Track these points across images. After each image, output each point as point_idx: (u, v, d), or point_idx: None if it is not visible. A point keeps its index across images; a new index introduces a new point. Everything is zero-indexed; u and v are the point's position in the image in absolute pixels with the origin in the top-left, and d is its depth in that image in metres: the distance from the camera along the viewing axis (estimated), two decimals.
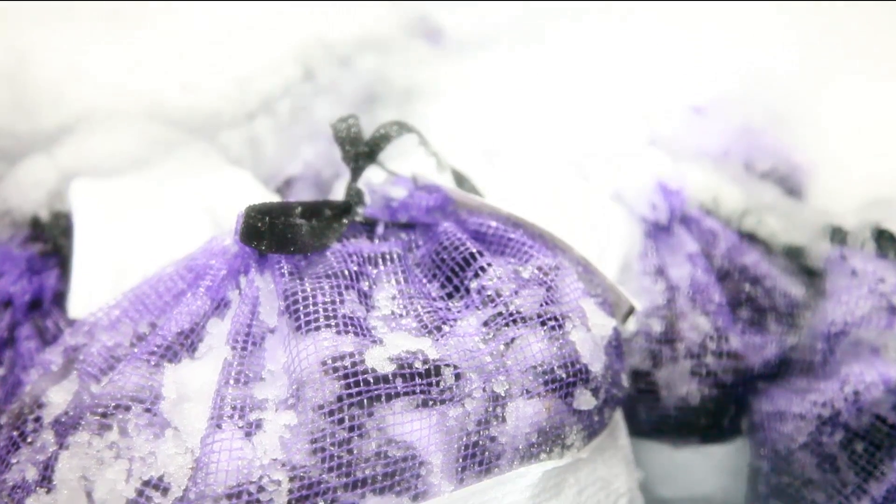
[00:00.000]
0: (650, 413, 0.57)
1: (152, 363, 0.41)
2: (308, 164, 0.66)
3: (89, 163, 0.61)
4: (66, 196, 0.58)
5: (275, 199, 0.60)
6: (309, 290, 0.43)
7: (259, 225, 0.43)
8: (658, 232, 0.57)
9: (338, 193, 0.62)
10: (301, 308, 0.42)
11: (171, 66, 0.66)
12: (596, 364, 0.45)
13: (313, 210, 0.46)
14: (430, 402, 0.41)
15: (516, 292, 0.45)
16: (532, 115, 0.63)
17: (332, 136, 0.50)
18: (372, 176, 0.51)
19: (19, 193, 0.59)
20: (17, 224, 0.58)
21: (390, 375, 0.41)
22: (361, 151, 0.49)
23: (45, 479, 0.40)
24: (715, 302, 0.56)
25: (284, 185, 0.65)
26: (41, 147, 0.62)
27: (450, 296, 0.47)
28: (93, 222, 0.56)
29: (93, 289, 0.52)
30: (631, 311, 0.49)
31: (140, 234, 0.56)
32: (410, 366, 0.41)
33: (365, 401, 0.40)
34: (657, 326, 0.56)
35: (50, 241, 0.57)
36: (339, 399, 0.40)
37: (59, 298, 0.54)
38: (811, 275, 0.57)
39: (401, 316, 0.45)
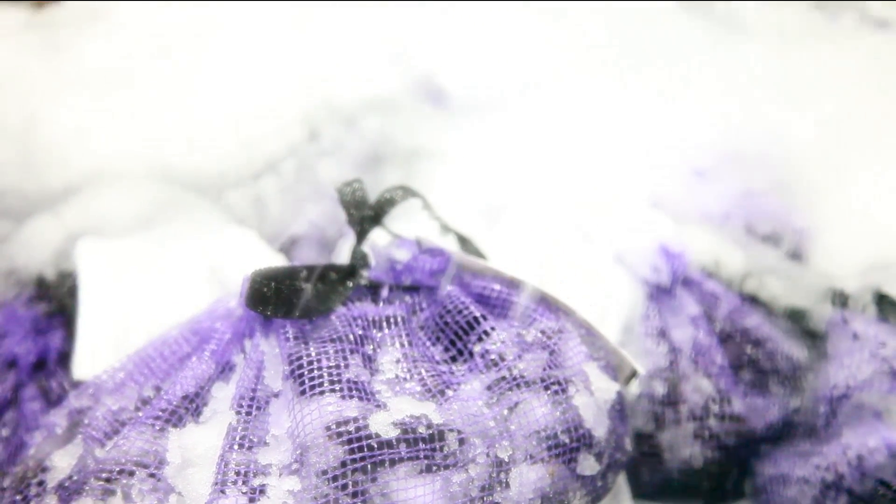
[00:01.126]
0: (653, 476, 0.57)
1: (157, 428, 0.42)
2: (313, 223, 0.67)
3: (95, 222, 0.61)
4: (72, 256, 0.58)
5: (279, 259, 0.61)
6: (314, 354, 0.43)
7: (265, 290, 0.44)
8: (660, 294, 0.58)
9: (342, 252, 0.62)
10: (306, 372, 0.43)
11: (178, 127, 0.67)
12: (599, 429, 0.45)
13: (319, 274, 0.47)
14: (434, 468, 0.41)
15: (520, 356, 0.46)
16: (535, 176, 0.64)
17: (336, 196, 0.50)
18: (377, 238, 0.51)
19: (26, 252, 0.60)
20: (23, 283, 0.58)
21: (394, 440, 0.41)
22: (366, 215, 0.50)
23: None
24: (717, 364, 0.56)
25: (289, 245, 0.66)
26: (48, 207, 0.62)
27: (453, 359, 0.47)
28: (98, 282, 0.56)
29: (97, 350, 0.52)
30: (634, 374, 0.49)
31: (145, 294, 0.56)
32: (414, 431, 0.41)
33: (369, 466, 0.40)
34: (660, 388, 0.56)
35: (55, 300, 0.57)
36: (343, 464, 0.40)
37: (64, 359, 0.54)
38: (813, 337, 0.57)
39: (405, 380, 0.45)
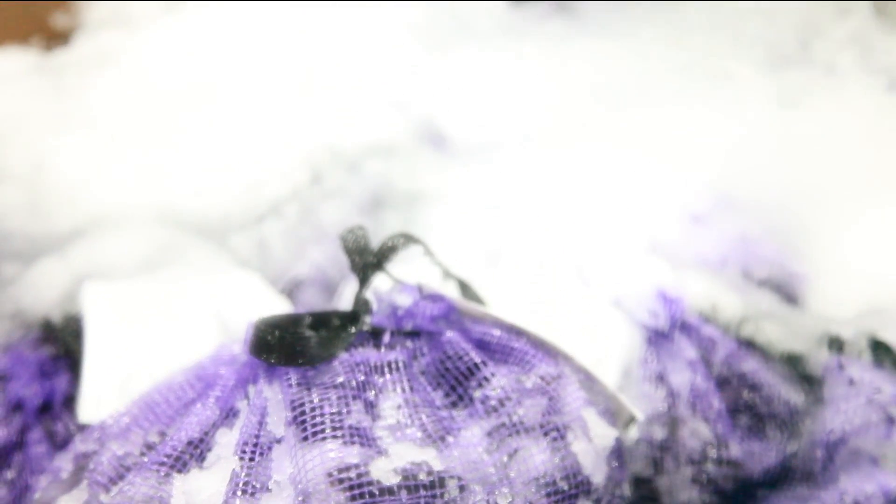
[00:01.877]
0: None
1: (162, 473, 0.42)
2: (316, 265, 0.67)
3: (101, 265, 0.62)
4: (78, 298, 0.59)
5: (283, 301, 0.61)
6: (316, 400, 0.44)
7: (269, 338, 0.44)
8: (659, 338, 0.58)
9: (345, 295, 0.63)
10: (308, 419, 0.43)
11: (183, 171, 0.68)
12: (597, 475, 0.46)
13: (322, 320, 0.48)
14: None
15: (519, 402, 0.46)
16: (534, 220, 0.65)
17: (340, 243, 0.51)
18: (379, 283, 0.52)
19: (32, 295, 0.60)
20: (30, 325, 0.59)
21: (395, 487, 0.41)
22: (369, 262, 0.51)
23: None
24: (715, 409, 0.57)
25: (293, 287, 0.66)
26: (55, 249, 0.63)
27: (454, 404, 0.47)
28: (104, 326, 0.57)
29: (103, 393, 0.53)
30: (632, 419, 0.50)
31: (150, 337, 0.57)
32: (415, 477, 0.42)
33: None
34: (658, 433, 0.56)
35: (61, 343, 0.58)
36: None
37: (70, 402, 0.54)
38: (810, 382, 0.58)
39: (406, 425, 0.45)
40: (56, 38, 0.89)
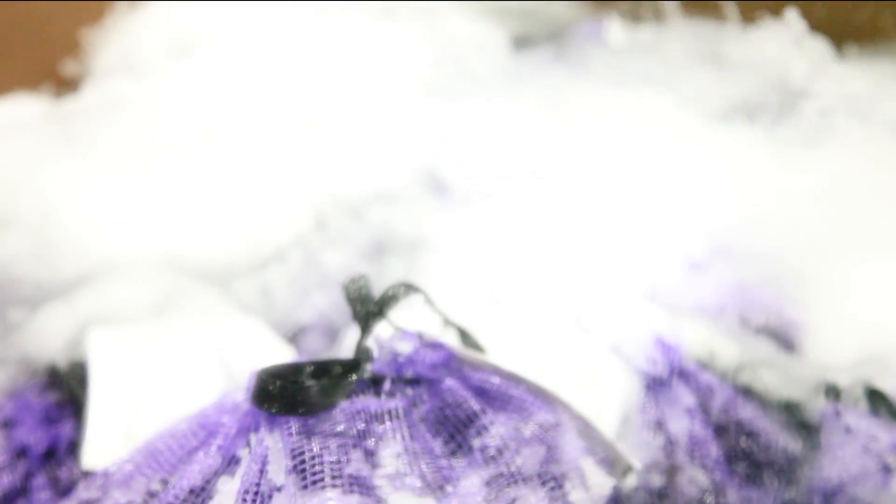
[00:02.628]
0: None
1: None
2: (319, 311, 0.68)
3: (107, 311, 0.63)
4: (84, 344, 0.60)
5: (286, 348, 0.62)
6: (316, 449, 0.45)
7: (270, 388, 0.45)
8: (657, 386, 0.59)
9: (348, 340, 0.64)
10: (308, 467, 0.44)
11: (189, 217, 0.69)
12: None
13: (323, 369, 0.48)
14: None
15: (517, 451, 0.47)
16: (534, 266, 0.66)
17: (343, 293, 0.52)
18: (380, 330, 0.53)
19: (38, 341, 0.61)
20: (35, 371, 0.60)
21: None
22: (371, 311, 0.52)
23: None
24: (712, 456, 0.57)
25: (296, 333, 0.67)
26: (61, 295, 0.64)
27: (453, 453, 0.48)
28: (108, 372, 0.57)
29: (107, 440, 0.54)
30: (629, 468, 0.51)
31: (155, 384, 0.57)
32: None
33: None
34: (656, 480, 0.57)
35: (66, 389, 0.58)
36: None
37: (74, 448, 0.55)
38: (807, 429, 0.58)
39: (405, 474, 0.46)
40: (66, 86, 0.90)
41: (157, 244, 0.68)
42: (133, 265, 0.66)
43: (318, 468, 0.44)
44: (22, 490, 0.54)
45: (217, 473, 0.45)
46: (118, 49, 0.91)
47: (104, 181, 0.71)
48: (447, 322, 0.56)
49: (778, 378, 0.59)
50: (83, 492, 0.47)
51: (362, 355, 0.50)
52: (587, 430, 0.50)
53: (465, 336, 0.56)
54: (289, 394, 0.45)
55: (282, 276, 0.68)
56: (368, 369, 0.50)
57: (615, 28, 0.95)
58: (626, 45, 0.94)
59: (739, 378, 0.59)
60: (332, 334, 0.68)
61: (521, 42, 0.97)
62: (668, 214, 0.66)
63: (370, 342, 0.51)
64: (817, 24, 0.83)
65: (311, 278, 0.68)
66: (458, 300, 0.63)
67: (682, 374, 0.59)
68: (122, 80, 0.85)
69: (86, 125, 0.77)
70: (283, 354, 0.60)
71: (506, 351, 0.58)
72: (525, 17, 1.03)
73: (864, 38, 0.84)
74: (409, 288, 0.53)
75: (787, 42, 0.80)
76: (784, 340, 0.61)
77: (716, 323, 0.61)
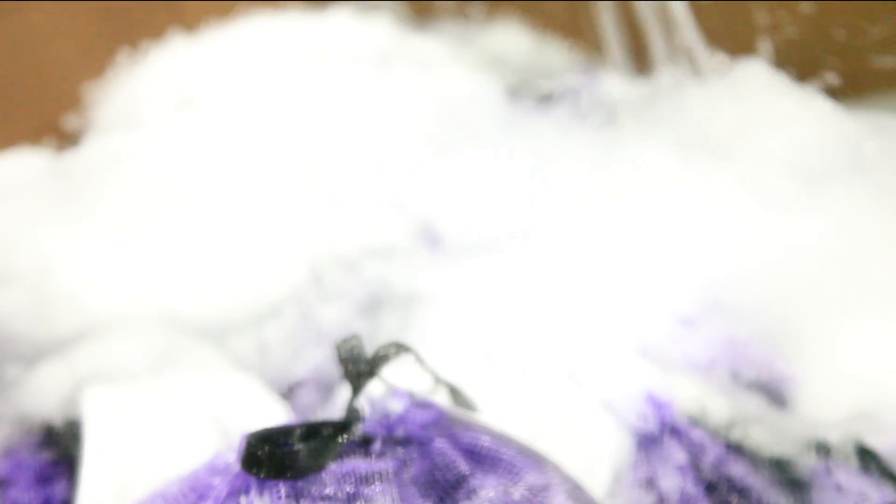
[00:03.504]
0: None
1: None
2: (314, 366, 0.69)
3: (103, 368, 0.63)
4: (79, 403, 0.60)
5: (280, 404, 0.63)
6: None
7: (259, 453, 0.45)
8: (648, 443, 0.59)
9: (342, 395, 0.64)
10: None
11: (186, 273, 0.70)
12: None
13: (313, 429, 0.49)
14: None
15: None
16: (526, 321, 0.66)
17: (334, 344, 0.53)
18: (371, 388, 0.53)
19: (34, 399, 0.62)
20: (31, 430, 0.60)
21: None
22: (362, 371, 0.52)
23: None
24: None
25: (290, 390, 0.68)
26: (58, 352, 0.64)
27: None
28: (102, 431, 0.58)
29: (100, 500, 0.54)
30: None
31: (149, 443, 0.58)
32: None
33: None
34: None
35: (61, 448, 0.59)
36: None
37: None
38: (798, 487, 0.58)
39: None
40: (67, 140, 0.92)
41: (154, 300, 0.68)
42: (129, 321, 0.67)
43: None
44: None
45: None
46: (119, 103, 0.93)
47: (101, 237, 0.72)
48: (438, 380, 0.56)
49: (769, 435, 0.59)
50: None
51: (353, 415, 0.51)
52: (577, 493, 0.50)
53: (456, 394, 0.57)
54: (277, 458, 0.46)
55: (277, 331, 0.68)
56: (359, 430, 0.50)
57: (609, 80, 0.96)
58: (621, 96, 0.94)
59: (731, 435, 0.59)
60: (327, 389, 0.68)
61: (517, 93, 0.98)
62: (659, 269, 0.67)
63: (361, 401, 0.52)
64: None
65: (306, 334, 0.68)
66: (452, 355, 0.63)
67: (674, 431, 0.59)
68: (122, 134, 0.86)
69: (85, 180, 0.78)
70: (276, 411, 0.60)
71: (498, 407, 0.58)
72: (521, 68, 1.04)
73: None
74: (401, 347, 0.53)
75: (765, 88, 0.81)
76: (775, 396, 0.62)
77: (707, 379, 0.62)
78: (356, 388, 0.52)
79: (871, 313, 0.62)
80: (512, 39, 1.08)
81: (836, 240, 0.66)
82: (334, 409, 0.63)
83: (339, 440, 0.49)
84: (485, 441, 0.51)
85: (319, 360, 0.69)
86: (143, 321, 0.67)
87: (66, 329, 0.67)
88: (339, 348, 0.52)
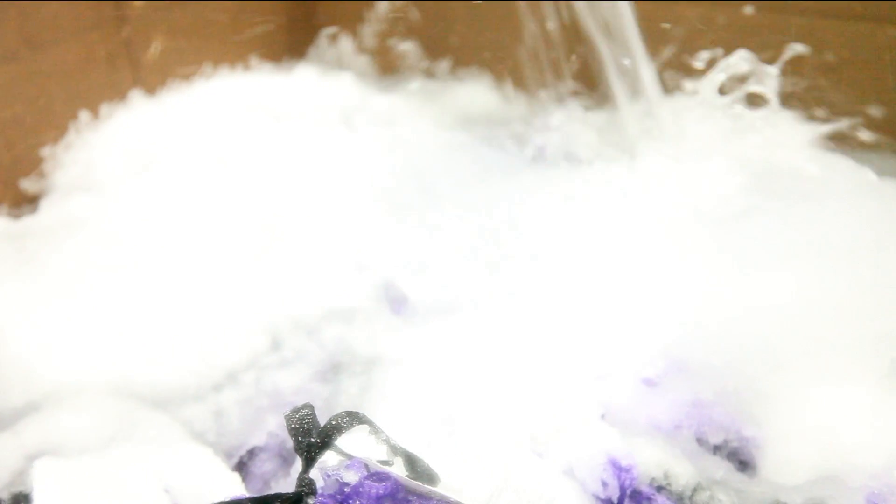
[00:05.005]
0: None
1: None
2: (272, 434, 0.67)
3: (54, 441, 0.62)
4: (29, 476, 0.58)
5: (234, 476, 0.61)
6: None
7: None
8: None
9: (300, 464, 0.63)
10: None
11: (139, 341, 0.69)
12: None
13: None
14: None
15: None
16: (488, 385, 0.65)
17: (284, 415, 0.51)
18: (326, 458, 0.52)
19: None
20: None
21: None
22: (313, 442, 0.51)
23: None
24: None
25: (248, 457, 0.66)
26: (8, 426, 0.63)
27: None
28: None
29: None
30: None
31: None
32: None
33: None
34: None
35: None
36: None
37: None
38: None
39: None
40: (25, 203, 0.90)
41: (108, 368, 0.67)
42: (82, 391, 0.65)
43: None
44: None
45: None
46: (79, 166, 0.92)
47: (54, 305, 0.71)
48: (395, 449, 0.55)
49: (734, 499, 0.58)
50: None
51: (304, 488, 0.49)
52: None
53: (414, 463, 0.55)
54: None
55: (234, 398, 0.67)
56: (311, 503, 0.49)
57: (573, 128, 0.95)
58: (587, 146, 0.94)
59: (695, 499, 0.58)
60: (285, 457, 0.67)
61: (483, 146, 0.98)
62: (622, 332, 0.66)
63: (314, 473, 0.50)
64: None
65: (264, 400, 0.67)
66: (412, 421, 0.62)
67: (636, 496, 0.58)
68: (81, 197, 0.85)
69: (40, 246, 0.77)
70: (229, 483, 0.59)
71: (458, 473, 0.57)
72: (487, 121, 1.04)
73: None
74: (353, 417, 0.52)
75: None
76: (740, 458, 0.61)
77: (672, 441, 0.61)
78: (307, 461, 0.51)
79: (836, 373, 0.62)
80: (477, 94, 1.08)
81: (801, 299, 0.65)
82: (292, 479, 0.61)
83: None
84: None
85: (278, 426, 0.67)
86: (96, 391, 0.66)
87: (18, 401, 0.65)
88: (288, 419, 0.51)
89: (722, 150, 0.82)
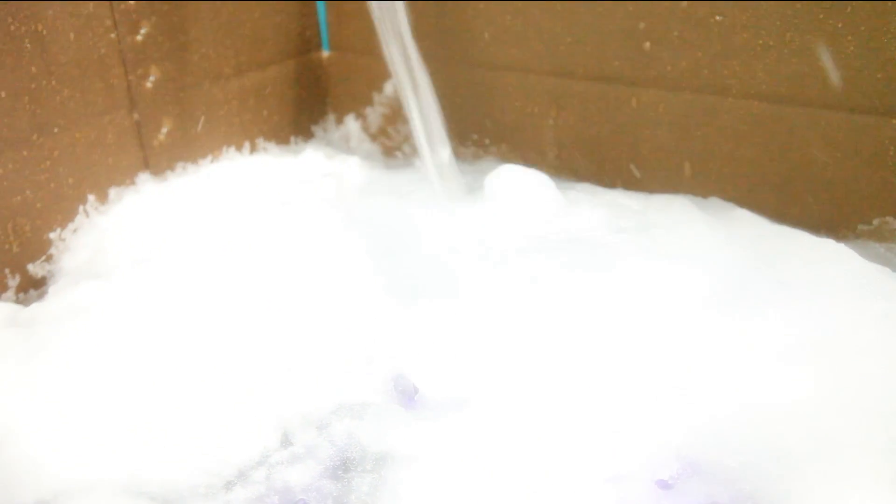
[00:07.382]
0: None
1: None
2: None
3: None
4: None
5: None
6: None
7: None
8: None
9: None
10: None
11: (148, 437, 0.68)
12: None
13: None
14: None
15: None
16: (500, 482, 0.65)
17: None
18: None
19: None
20: None
21: None
22: None
23: None
24: None
25: None
26: None
27: None
28: None
29: None
30: None
31: None
32: None
33: None
34: None
35: None
36: None
37: None
38: None
39: None
40: (32, 288, 0.90)
41: (117, 467, 0.66)
42: (92, 490, 0.65)
43: None
44: None
45: None
46: (86, 249, 0.92)
47: (63, 398, 0.70)
48: None
49: None
50: None
51: None
52: None
53: None
54: None
55: (245, 497, 0.66)
56: None
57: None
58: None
59: None
60: None
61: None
62: (635, 431, 0.66)
63: None
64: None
65: (274, 499, 0.66)
66: None
67: None
68: (88, 283, 0.85)
69: (48, 335, 0.77)
70: None
71: None
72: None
73: None
74: None
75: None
76: None
77: None
78: None
79: (855, 474, 0.61)
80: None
81: (820, 398, 0.65)
82: None
83: None
84: None
85: None
86: (106, 489, 0.65)
87: (27, 498, 0.64)
88: None
89: None
